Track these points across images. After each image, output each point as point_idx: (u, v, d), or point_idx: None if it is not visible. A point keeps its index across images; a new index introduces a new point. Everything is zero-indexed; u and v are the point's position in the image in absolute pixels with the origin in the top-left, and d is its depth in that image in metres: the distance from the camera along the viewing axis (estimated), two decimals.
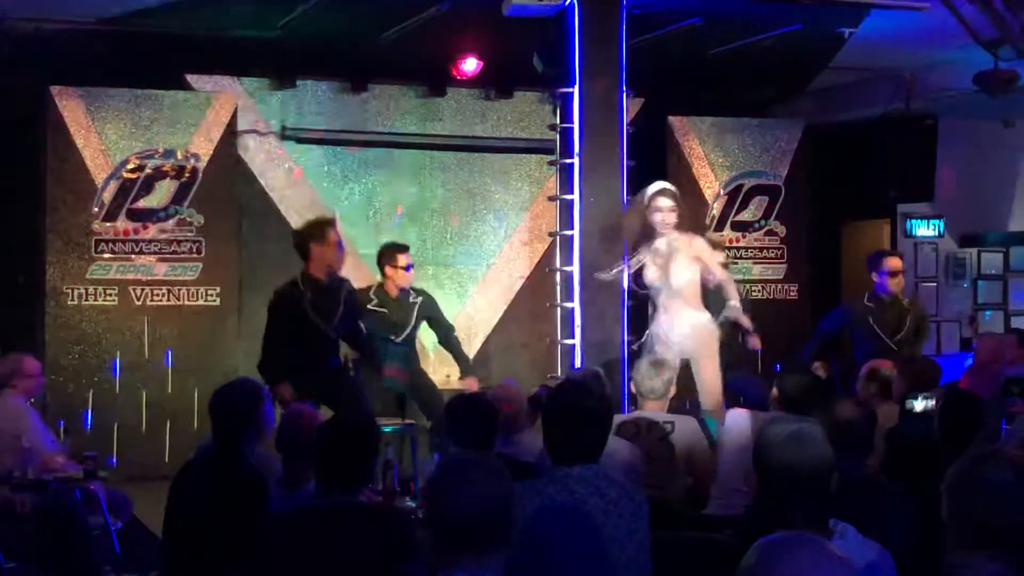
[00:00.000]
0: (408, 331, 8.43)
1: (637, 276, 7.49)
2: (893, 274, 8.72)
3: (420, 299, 8.54)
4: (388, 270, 8.43)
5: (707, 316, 7.33)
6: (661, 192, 7.38)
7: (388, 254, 8.49)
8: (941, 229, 11.42)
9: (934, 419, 5.13)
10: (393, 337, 8.33)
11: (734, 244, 10.92)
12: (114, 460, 8.87)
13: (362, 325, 7.93)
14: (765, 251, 11.04)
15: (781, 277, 11.07)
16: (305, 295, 7.42)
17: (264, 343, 7.50)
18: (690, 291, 7.27)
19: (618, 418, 5.30)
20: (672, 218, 7.31)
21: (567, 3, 7.82)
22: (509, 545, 2.90)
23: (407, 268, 8.44)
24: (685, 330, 7.19)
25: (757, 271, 11.00)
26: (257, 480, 4.52)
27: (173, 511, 4.62)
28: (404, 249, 8.55)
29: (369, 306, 8.27)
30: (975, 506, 2.75)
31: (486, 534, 2.84)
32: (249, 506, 4.35)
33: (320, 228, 7.61)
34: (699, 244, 7.39)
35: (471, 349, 10.57)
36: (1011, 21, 7.07)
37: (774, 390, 5.89)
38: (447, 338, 8.71)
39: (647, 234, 7.37)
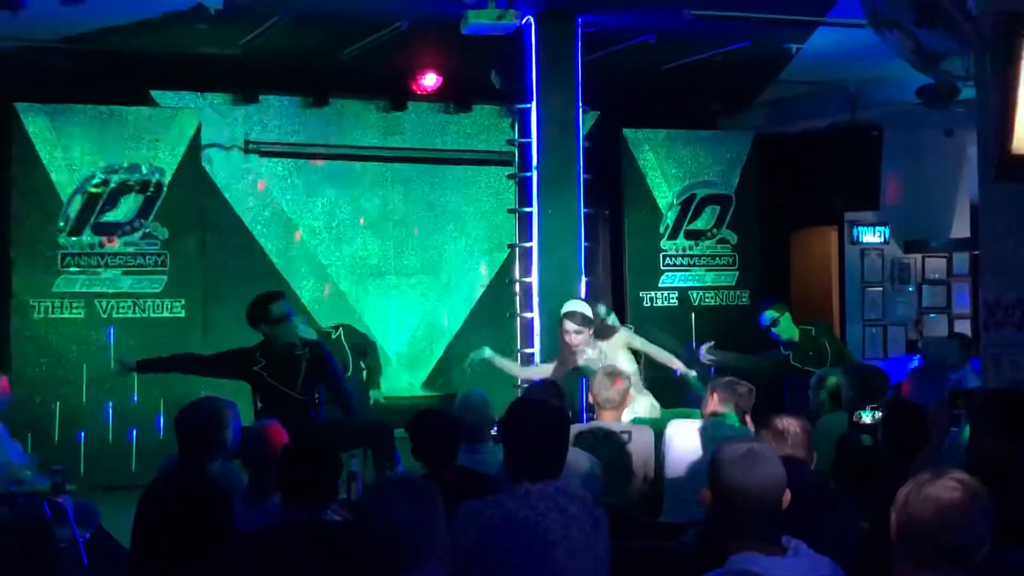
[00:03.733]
0: (300, 384, 7.12)
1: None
2: (786, 330, 8.74)
3: (307, 350, 7.22)
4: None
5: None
6: (568, 315, 7.29)
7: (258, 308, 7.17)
8: (887, 236, 11.69)
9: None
10: (288, 391, 7.07)
11: (687, 253, 11.18)
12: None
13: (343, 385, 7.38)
14: (717, 259, 11.26)
15: (733, 284, 11.29)
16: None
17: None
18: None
19: (576, 428, 5.39)
20: (579, 339, 7.27)
21: (523, 22, 8.04)
22: (432, 565, 2.96)
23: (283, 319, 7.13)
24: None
25: (709, 278, 11.22)
26: (220, 496, 4.61)
27: (140, 527, 4.69)
28: (275, 298, 7.27)
29: (255, 368, 7.08)
30: (924, 525, 2.71)
31: (406, 554, 2.92)
32: (213, 521, 4.42)
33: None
34: (621, 337, 7.47)
35: (432, 357, 10.78)
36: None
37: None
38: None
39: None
